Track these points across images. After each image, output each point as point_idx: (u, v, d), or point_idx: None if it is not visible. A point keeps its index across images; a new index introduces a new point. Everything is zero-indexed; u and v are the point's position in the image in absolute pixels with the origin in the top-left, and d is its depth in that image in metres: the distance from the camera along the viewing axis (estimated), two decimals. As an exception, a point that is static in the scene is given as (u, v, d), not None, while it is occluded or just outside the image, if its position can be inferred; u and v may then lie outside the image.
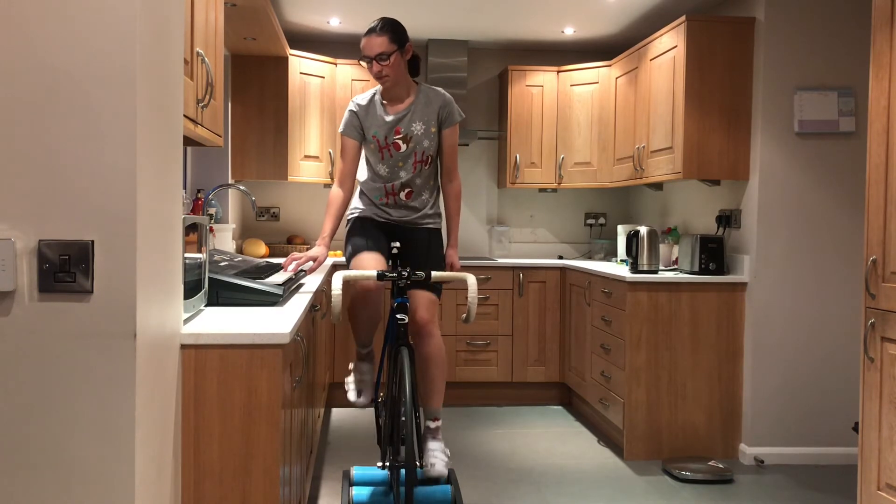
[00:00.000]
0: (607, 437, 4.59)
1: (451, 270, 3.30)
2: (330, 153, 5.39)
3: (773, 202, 4.12)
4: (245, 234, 5.61)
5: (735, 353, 4.21)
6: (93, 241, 1.54)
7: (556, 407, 5.36)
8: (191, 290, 2.11)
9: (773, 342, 4.13)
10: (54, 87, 1.52)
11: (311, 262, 3.11)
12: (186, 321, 2.06)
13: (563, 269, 5.34)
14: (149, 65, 1.62)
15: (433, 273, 2.87)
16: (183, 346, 1.94)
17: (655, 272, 4.36)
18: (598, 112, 5.46)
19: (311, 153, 5.29)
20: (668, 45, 4.40)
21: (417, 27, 5.23)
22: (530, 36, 5.50)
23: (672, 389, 4.19)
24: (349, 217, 3.34)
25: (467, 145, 5.84)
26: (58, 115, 1.52)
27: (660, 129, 4.50)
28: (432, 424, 3.16)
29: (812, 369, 4.16)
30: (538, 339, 5.33)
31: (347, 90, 5.39)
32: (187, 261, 2.05)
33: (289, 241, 5.59)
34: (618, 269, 4.67)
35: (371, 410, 5.03)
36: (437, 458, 3.06)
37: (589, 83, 5.48)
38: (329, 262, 4.88)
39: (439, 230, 3.36)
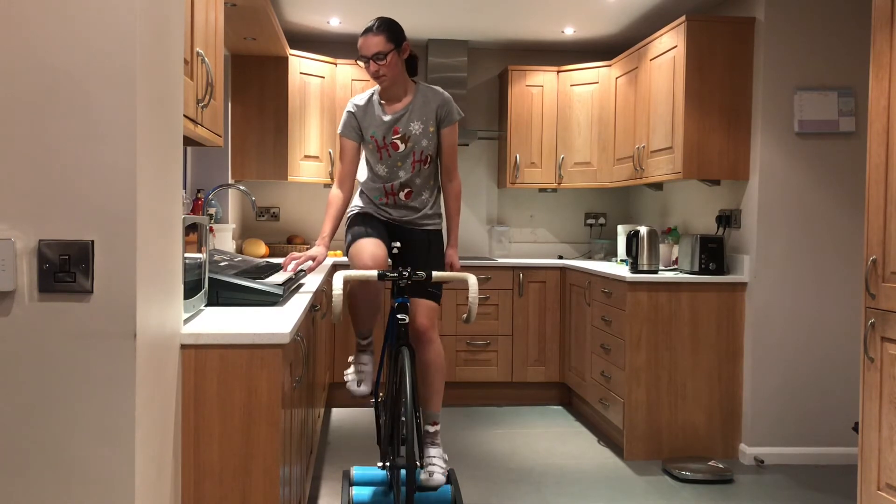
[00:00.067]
0: (607, 437, 4.59)
1: (452, 270, 3.30)
2: (330, 153, 5.39)
3: (773, 202, 4.12)
4: (245, 234, 5.61)
5: (735, 353, 4.21)
6: (93, 241, 1.54)
7: (556, 407, 5.36)
8: (191, 290, 2.11)
9: (773, 342, 4.13)
10: (54, 87, 1.52)
11: (310, 262, 3.11)
12: (186, 321, 2.06)
13: (563, 269, 5.34)
14: (149, 65, 1.62)
15: (434, 273, 2.87)
16: (183, 346, 1.94)
17: (655, 272, 4.36)
18: (598, 112, 5.46)
19: (311, 153, 5.29)
20: (668, 45, 4.40)
21: (417, 27, 5.23)
22: (530, 36, 5.50)
23: (672, 389, 4.19)
24: (349, 214, 3.34)
25: (467, 145, 5.84)
26: (58, 115, 1.52)
27: (660, 129, 4.50)
28: (431, 429, 3.18)
29: (812, 369, 4.16)
30: (538, 339, 5.33)
31: (347, 90, 5.39)
32: (187, 261, 2.05)
33: (289, 241, 5.59)
34: (618, 269, 4.67)
35: (371, 410, 5.03)
36: (435, 466, 3.08)
37: (589, 83, 5.48)
38: (329, 261, 4.88)
39: (440, 231, 3.36)
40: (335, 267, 4.92)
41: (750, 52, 4.19)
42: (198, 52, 2.27)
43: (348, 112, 3.25)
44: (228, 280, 2.49)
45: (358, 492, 3.21)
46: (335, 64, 5.41)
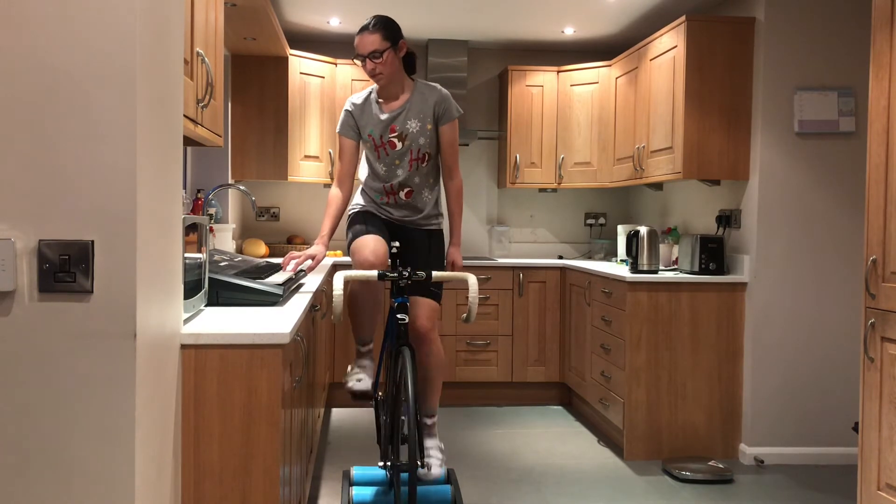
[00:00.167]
0: (607, 437, 4.59)
1: (454, 269, 3.30)
2: (330, 153, 5.39)
3: (773, 202, 4.12)
4: (245, 234, 5.61)
5: (735, 353, 4.21)
6: (93, 241, 1.54)
7: (556, 407, 5.36)
8: (191, 290, 2.11)
9: (773, 342, 4.13)
10: (54, 87, 1.52)
11: (309, 261, 3.11)
12: (186, 321, 2.06)
13: (563, 269, 5.34)
14: (149, 65, 1.62)
15: (433, 273, 2.87)
16: (183, 346, 1.94)
17: (655, 272, 4.36)
18: (598, 112, 5.46)
19: (311, 153, 5.29)
20: (668, 45, 4.40)
21: (417, 27, 5.23)
22: (530, 36, 5.50)
23: (672, 389, 4.19)
24: (350, 212, 3.33)
25: (467, 145, 5.84)
26: (58, 115, 1.52)
27: (660, 129, 4.50)
28: (429, 421, 3.23)
29: (812, 369, 4.16)
30: (538, 339, 5.33)
31: (347, 90, 5.39)
32: (187, 261, 2.05)
33: (289, 241, 5.59)
34: (618, 269, 4.67)
35: (371, 410, 5.03)
36: (433, 457, 3.12)
37: (589, 83, 5.48)
38: (328, 261, 4.88)
39: (441, 231, 3.36)
40: (335, 267, 4.92)
41: (750, 52, 4.19)
42: (198, 52, 2.27)
43: (346, 111, 3.25)
44: (228, 280, 2.49)
45: (358, 492, 3.21)
46: (335, 64, 5.41)
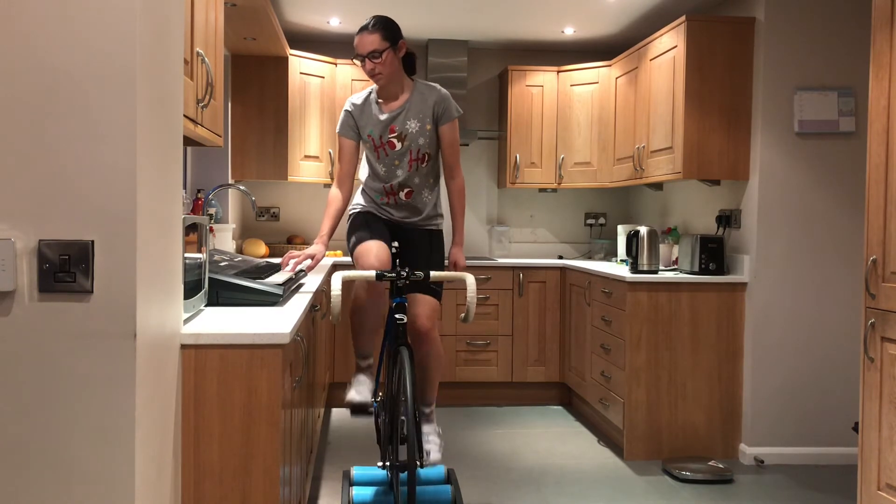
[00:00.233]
0: (607, 437, 4.59)
1: (456, 269, 3.31)
2: (330, 153, 5.39)
3: (773, 202, 4.12)
4: (245, 234, 5.61)
5: (735, 353, 4.21)
6: (93, 241, 1.54)
7: (556, 407, 5.36)
8: (191, 290, 2.11)
9: (773, 342, 4.13)
10: (54, 87, 1.52)
11: (308, 261, 3.11)
12: (186, 321, 2.06)
13: (563, 269, 5.34)
14: (149, 65, 1.62)
15: (432, 273, 2.87)
16: (183, 346, 1.94)
17: (655, 272, 4.36)
18: (598, 112, 5.46)
19: (311, 153, 5.29)
20: (668, 45, 4.40)
21: (417, 27, 5.23)
22: (530, 36, 5.50)
23: (672, 389, 4.19)
24: (351, 212, 3.33)
25: (467, 145, 5.84)
26: (58, 115, 1.52)
27: (660, 129, 4.50)
28: (427, 409, 3.25)
29: (812, 369, 4.16)
30: (538, 339, 5.33)
31: (347, 90, 5.39)
32: (187, 261, 2.05)
33: (289, 241, 5.59)
34: (618, 269, 4.67)
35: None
36: (431, 442, 3.14)
37: (589, 83, 5.48)
38: (328, 261, 4.88)
39: (441, 231, 3.36)
40: (335, 267, 4.93)
41: (750, 52, 4.19)
42: (198, 52, 2.27)
43: (345, 111, 3.25)
44: (228, 280, 2.49)
45: (358, 492, 3.21)
46: (335, 64, 5.41)
